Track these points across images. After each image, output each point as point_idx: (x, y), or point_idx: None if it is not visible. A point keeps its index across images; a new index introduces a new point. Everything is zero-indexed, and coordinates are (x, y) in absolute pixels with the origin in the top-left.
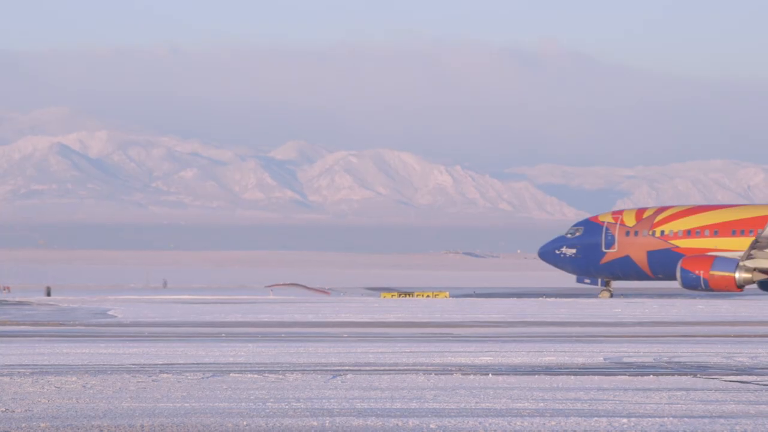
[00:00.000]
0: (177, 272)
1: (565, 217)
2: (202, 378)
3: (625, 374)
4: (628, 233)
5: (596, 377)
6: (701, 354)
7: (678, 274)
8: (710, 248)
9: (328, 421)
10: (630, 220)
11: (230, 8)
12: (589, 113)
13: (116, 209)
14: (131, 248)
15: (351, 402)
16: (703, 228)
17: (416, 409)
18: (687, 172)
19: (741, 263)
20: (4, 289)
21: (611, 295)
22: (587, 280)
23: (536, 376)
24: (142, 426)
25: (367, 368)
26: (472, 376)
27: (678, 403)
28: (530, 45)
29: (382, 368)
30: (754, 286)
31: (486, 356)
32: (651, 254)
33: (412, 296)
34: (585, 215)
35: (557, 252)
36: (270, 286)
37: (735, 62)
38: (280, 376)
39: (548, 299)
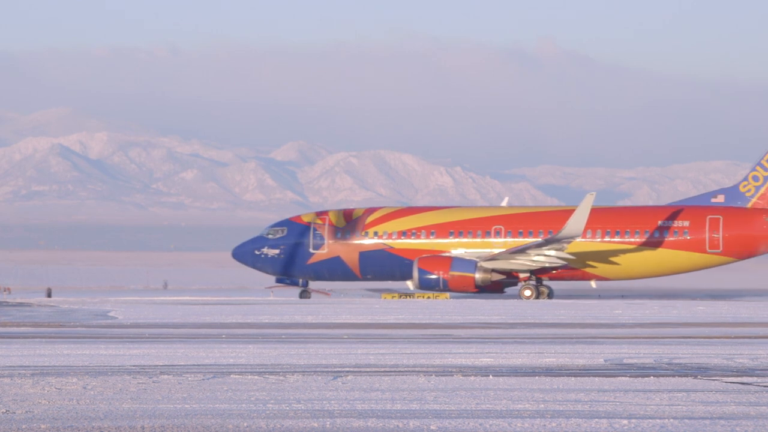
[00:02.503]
0: (177, 273)
1: None
2: (203, 379)
3: (625, 375)
4: (338, 234)
5: (597, 378)
6: (702, 355)
7: (415, 274)
8: (428, 249)
9: (328, 423)
10: (339, 221)
11: (230, 9)
12: (590, 114)
13: (117, 210)
14: (132, 249)
15: (352, 403)
16: (420, 229)
17: (417, 411)
18: (687, 173)
19: (479, 264)
20: (5, 290)
21: (310, 296)
22: (288, 281)
23: (537, 377)
24: (142, 427)
25: (368, 369)
26: (472, 378)
27: (679, 405)
28: (529, 45)
29: (382, 369)
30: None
31: (486, 358)
32: (363, 255)
33: (413, 297)
34: None
35: (257, 252)
36: (270, 288)
37: (736, 63)
38: (281, 378)
39: (548, 300)
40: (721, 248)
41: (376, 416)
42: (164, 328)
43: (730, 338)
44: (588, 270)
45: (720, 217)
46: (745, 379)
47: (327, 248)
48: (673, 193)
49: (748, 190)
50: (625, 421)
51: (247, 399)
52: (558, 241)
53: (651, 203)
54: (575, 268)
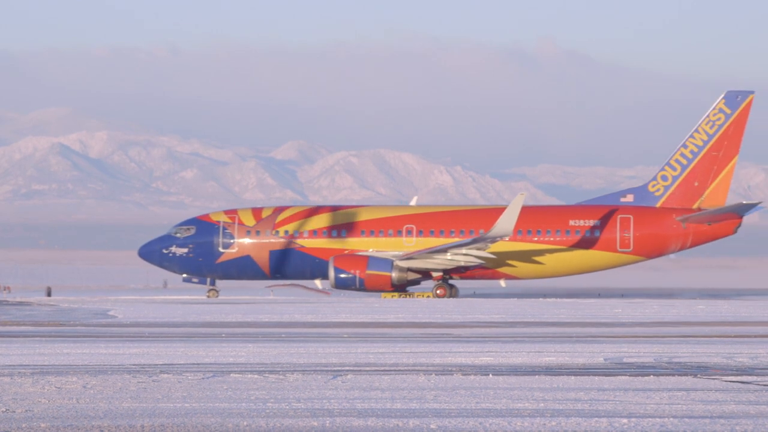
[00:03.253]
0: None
1: None
2: (203, 378)
3: (625, 374)
4: (248, 233)
5: (596, 377)
6: (701, 354)
7: (331, 273)
8: (339, 249)
9: (328, 422)
10: (248, 220)
11: (230, 9)
12: (590, 114)
13: (116, 209)
14: (132, 248)
15: (351, 402)
16: (331, 228)
17: (417, 410)
18: None
19: (396, 263)
20: (5, 290)
21: (218, 294)
22: (195, 280)
23: (536, 376)
24: (142, 426)
25: (368, 368)
26: (472, 377)
27: (678, 404)
28: (529, 45)
29: (382, 368)
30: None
31: (486, 357)
32: (273, 254)
33: (413, 296)
34: None
35: (165, 251)
36: (270, 287)
37: (736, 63)
38: (281, 377)
39: (548, 299)
40: (631, 247)
41: (376, 415)
42: (164, 327)
43: (729, 337)
44: (499, 269)
45: (630, 216)
46: (744, 378)
47: (237, 247)
48: None
49: (657, 190)
50: (625, 420)
51: (246, 398)
52: (487, 240)
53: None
54: (487, 268)
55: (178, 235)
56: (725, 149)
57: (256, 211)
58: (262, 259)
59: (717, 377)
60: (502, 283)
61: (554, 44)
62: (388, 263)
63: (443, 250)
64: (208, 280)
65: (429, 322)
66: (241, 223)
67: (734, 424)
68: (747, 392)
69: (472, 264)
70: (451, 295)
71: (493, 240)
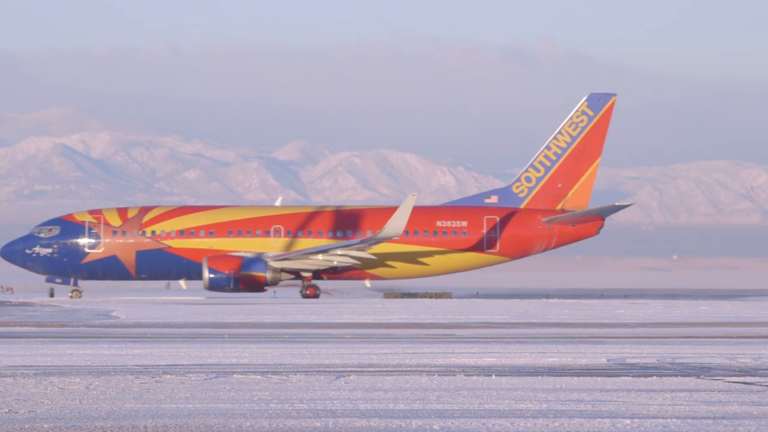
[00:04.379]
0: None
1: None
2: (206, 379)
3: (628, 375)
4: (115, 233)
5: (599, 378)
6: (704, 355)
7: (205, 274)
8: (206, 249)
9: (331, 422)
10: (114, 220)
11: (230, 9)
12: None
13: None
14: None
15: (354, 403)
16: (198, 228)
17: (419, 410)
18: (689, 172)
19: (270, 263)
20: (8, 290)
21: (81, 295)
22: (59, 280)
23: (539, 377)
24: (145, 427)
25: (371, 369)
26: (475, 377)
27: (681, 404)
28: (529, 45)
29: (385, 369)
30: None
31: (489, 357)
32: (140, 254)
33: (415, 297)
34: None
35: (28, 251)
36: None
37: (738, 62)
38: (284, 377)
39: (551, 300)
40: (497, 248)
41: (379, 416)
42: (167, 327)
43: (732, 338)
44: (367, 269)
45: (496, 217)
46: (747, 379)
47: (103, 247)
48: (675, 192)
49: (521, 191)
50: (628, 421)
51: (249, 399)
52: (378, 240)
53: (654, 203)
54: (356, 268)
55: (42, 235)
56: (588, 151)
57: (122, 211)
58: (129, 260)
59: (720, 378)
60: (367, 283)
61: (554, 44)
62: (262, 264)
63: (324, 250)
64: (72, 280)
65: (432, 322)
66: (107, 223)
67: (737, 424)
68: (750, 393)
69: (347, 264)
70: (317, 296)
71: (382, 241)
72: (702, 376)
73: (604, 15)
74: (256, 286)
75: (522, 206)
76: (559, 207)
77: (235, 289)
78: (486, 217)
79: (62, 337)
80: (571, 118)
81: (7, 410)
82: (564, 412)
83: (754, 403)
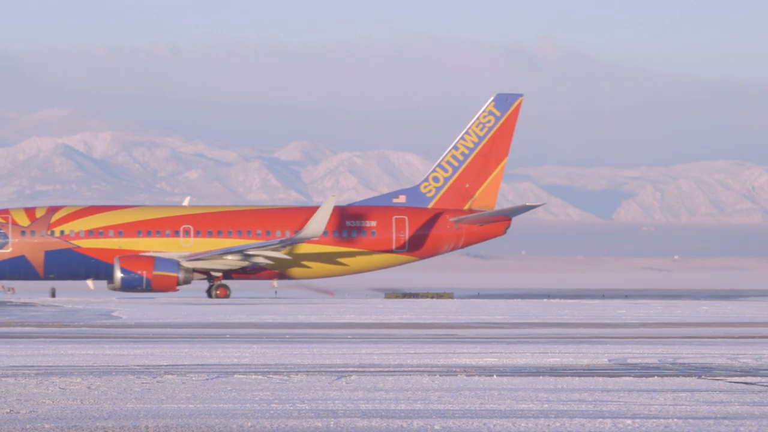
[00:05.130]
0: None
1: (569, 218)
2: (207, 379)
3: (629, 375)
4: (23, 233)
5: (601, 378)
6: (706, 355)
7: (117, 274)
8: (115, 249)
9: (332, 422)
10: (23, 220)
11: (230, 9)
12: (592, 114)
13: None
14: None
15: (355, 403)
16: (107, 228)
17: (421, 410)
18: (691, 172)
19: (182, 264)
20: (9, 290)
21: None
22: None
23: (540, 377)
24: (146, 427)
25: (372, 369)
26: (476, 377)
27: (683, 404)
28: (530, 45)
29: (386, 369)
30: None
31: (490, 357)
32: (49, 254)
33: (417, 297)
34: (589, 216)
35: None
36: (274, 287)
37: (739, 63)
38: (285, 377)
39: (552, 300)
40: (406, 248)
41: (380, 416)
42: (168, 328)
43: (734, 338)
44: (278, 269)
45: (405, 217)
46: (749, 379)
47: (11, 247)
48: (677, 192)
49: (429, 191)
50: (629, 421)
51: (251, 399)
52: (298, 241)
53: (655, 203)
54: (266, 268)
55: None
56: (495, 151)
57: (30, 211)
58: (37, 260)
59: (721, 378)
60: (274, 283)
61: (554, 44)
62: (174, 264)
63: (240, 250)
64: None
65: (433, 322)
66: (15, 223)
67: (738, 425)
68: (751, 393)
69: (259, 264)
70: (227, 296)
71: (301, 241)
72: (703, 377)
73: (604, 15)
74: (169, 286)
75: (430, 206)
76: (466, 207)
77: (147, 290)
78: (395, 217)
79: (63, 338)
80: (478, 118)
81: (8, 410)
82: (565, 412)
83: (755, 403)
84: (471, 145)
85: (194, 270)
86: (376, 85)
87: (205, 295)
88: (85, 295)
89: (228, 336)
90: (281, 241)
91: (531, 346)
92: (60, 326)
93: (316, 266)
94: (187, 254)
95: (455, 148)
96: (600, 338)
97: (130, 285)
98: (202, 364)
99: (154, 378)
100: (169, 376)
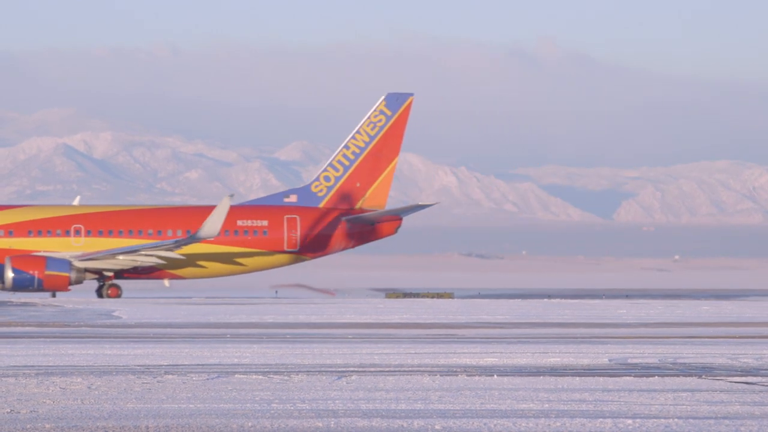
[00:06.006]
0: None
1: (570, 218)
2: (207, 379)
3: (630, 375)
4: None
5: (601, 378)
6: (706, 355)
7: (8, 274)
8: (6, 249)
9: (333, 422)
10: None
11: (230, 9)
12: (593, 114)
13: None
14: None
15: (356, 403)
16: None
17: (421, 410)
18: (691, 172)
19: (74, 264)
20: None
21: None
22: None
23: (541, 377)
24: (147, 427)
25: (372, 369)
26: (477, 377)
27: (683, 404)
28: (530, 45)
29: (387, 369)
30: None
31: (491, 357)
32: None
33: (417, 297)
34: (590, 216)
35: None
36: (275, 287)
37: (740, 63)
38: (285, 377)
39: (553, 300)
40: (298, 247)
41: (381, 416)
42: (168, 327)
43: (734, 338)
44: (170, 269)
45: (297, 216)
46: (749, 379)
47: None
48: (677, 192)
49: (320, 191)
50: (630, 421)
51: (251, 399)
52: (194, 241)
53: (656, 203)
54: (158, 268)
55: None
56: (386, 150)
57: None
58: None
59: (722, 378)
60: (166, 282)
61: (555, 44)
62: (66, 264)
63: (134, 250)
64: None
65: (433, 322)
66: None
67: (739, 424)
68: (752, 393)
69: (152, 264)
70: (119, 296)
71: (197, 241)
72: (704, 376)
73: (604, 15)
74: (61, 286)
75: (321, 205)
76: (357, 206)
77: (39, 289)
78: (286, 216)
79: (64, 337)
80: (369, 117)
81: (9, 410)
82: (566, 412)
83: (756, 403)
84: (362, 145)
85: (86, 270)
86: (376, 85)
87: (95, 295)
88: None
89: (228, 336)
90: (176, 242)
91: (531, 346)
92: (60, 326)
93: (209, 266)
94: (79, 254)
95: (346, 147)
96: (600, 338)
97: (22, 285)
98: (203, 364)
99: (155, 378)
100: (170, 376)
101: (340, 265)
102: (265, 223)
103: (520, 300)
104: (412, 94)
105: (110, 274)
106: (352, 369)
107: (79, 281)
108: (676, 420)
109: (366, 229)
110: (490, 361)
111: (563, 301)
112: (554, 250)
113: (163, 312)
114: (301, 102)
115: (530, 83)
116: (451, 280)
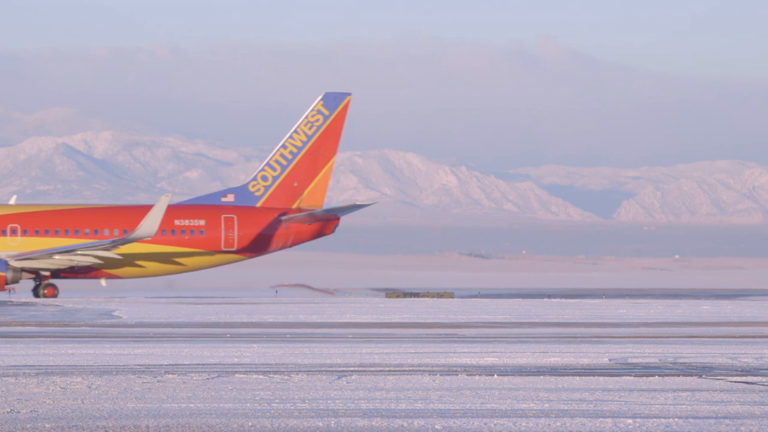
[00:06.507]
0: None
1: (570, 217)
2: (208, 379)
3: (630, 375)
4: None
5: (601, 378)
6: (706, 354)
7: None
8: None
9: (333, 422)
10: None
11: (230, 9)
12: (593, 114)
13: None
14: None
15: (356, 402)
16: None
17: (421, 410)
18: (692, 172)
19: (11, 263)
20: (10, 290)
21: None
22: None
23: (541, 376)
24: (147, 427)
25: (372, 369)
26: (477, 377)
27: (683, 404)
28: (530, 45)
29: (387, 369)
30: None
31: (491, 357)
32: None
33: (418, 297)
34: (590, 216)
35: None
36: (275, 287)
37: (740, 62)
38: (286, 377)
39: (553, 300)
40: (236, 246)
41: (381, 416)
42: (169, 327)
43: (734, 338)
44: (107, 269)
45: (234, 216)
46: (749, 379)
47: None
48: (678, 192)
49: (258, 190)
50: (630, 421)
51: (251, 398)
52: (130, 241)
53: (656, 203)
54: (95, 267)
55: None
56: (323, 150)
57: None
58: None
59: (722, 378)
60: (103, 282)
61: (555, 44)
62: (2, 263)
63: (71, 250)
64: None
65: (433, 322)
66: None
67: (739, 424)
68: (752, 393)
69: (88, 264)
70: (55, 296)
71: (134, 240)
72: (704, 376)
73: (604, 15)
74: None
75: (258, 205)
76: (295, 206)
77: None
78: (224, 215)
79: (64, 337)
80: (306, 117)
81: (9, 410)
82: (566, 411)
83: (756, 402)
84: (299, 144)
85: (23, 269)
86: (376, 85)
87: (32, 294)
88: (86, 295)
89: (229, 335)
90: (113, 241)
91: (532, 345)
92: (60, 326)
93: (147, 265)
94: (15, 254)
95: (284, 146)
96: (601, 338)
97: None
98: (203, 364)
99: (155, 377)
100: (170, 376)
101: (341, 264)
102: (202, 222)
103: (520, 299)
104: (349, 94)
105: (47, 273)
106: (352, 369)
107: (15, 281)
108: (676, 420)
109: (303, 229)
110: (490, 360)
111: (563, 300)
112: (555, 250)
113: (163, 312)
114: (301, 102)
115: (530, 83)
116: (451, 280)
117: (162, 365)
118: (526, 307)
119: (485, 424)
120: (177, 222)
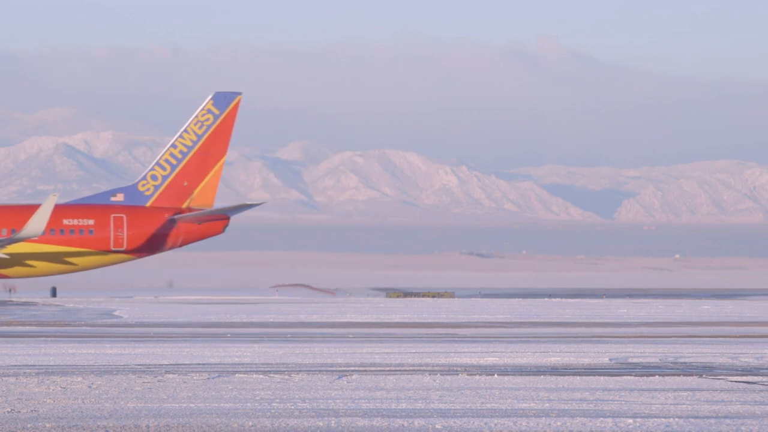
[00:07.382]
0: (182, 272)
1: (571, 217)
2: (208, 378)
3: (630, 375)
4: None
5: (602, 378)
6: (707, 354)
7: None
8: None
9: (333, 422)
10: None
11: (230, 9)
12: (593, 114)
13: None
14: None
15: (357, 402)
16: None
17: (422, 410)
18: (692, 172)
19: None
20: (10, 289)
21: None
22: None
23: (542, 376)
24: (147, 426)
25: (373, 369)
26: (477, 377)
27: (684, 404)
28: (530, 44)
29: (387, 369)
30: None
31: (491, 357)
32: None
33: (418, 296)
34: (590, 216)
35: None
36: (275, 287)
37: (740, 62)
38: (286, 377)
39: (553, 299)
40: (125, 246)
41: (381, 415)
42: (169, 327)
43: (734, 337)
44: None
45: (124, 216)
46: (749, 379)
47: None
48: (678, 192)
49: (147, 190)
50: (630, 420)
51: (252, 398)
52: (18, 240)
53: (656, 202)
54: None
55: None
56: (214, 149)
57: None
58: None
59: (722, 377)
60: None
61: (556, 44)
62: None
63: None
64: None
65: (434, 322)
66: None
67: (739, 424)
68: (752, 392)
69: None
70: None
71: (20, 240)
72: (704, 376)
73: (604, 14)
74: None
75: (148, 204)
76: (185, 205)
77: None
78: (113, 215)
79: (64, 337)
80: (197, 116)
81: (9, 409)
82: (566, 411)
83: (756, 402)
84: (189, 144)
85: None
86: (377, 85)
87: None
88: (86, 295)
89: (229, 335)
90: None
91: (532, 345)
92: (61, 325)
93: (37, 265)
94: None
95: (173, 146)
96: (601, 337)
97: None
98: (203, 364)
99: (155, 377)
100: (171, 376)
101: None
102: (91, 222)
103: (520, 299)
104: (240, 93)
105: None
106: (352, 368)
107: None
108: (676, 419)
109: (193, 228)
110: (490, 360)
111: (564, 300)
112: (555, 250)
113: (163, 311)
114: (301, 102)
115: (530, 83)
116: (451, 280)
117: (162, 365)
118: (527, 306)
119: (485, 423)
120: (66, 221)
